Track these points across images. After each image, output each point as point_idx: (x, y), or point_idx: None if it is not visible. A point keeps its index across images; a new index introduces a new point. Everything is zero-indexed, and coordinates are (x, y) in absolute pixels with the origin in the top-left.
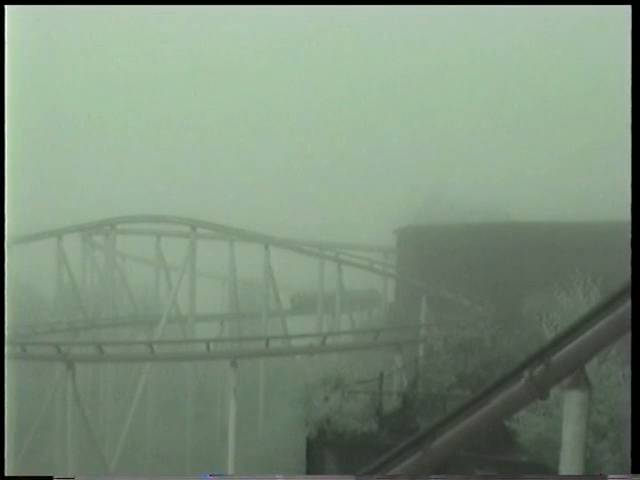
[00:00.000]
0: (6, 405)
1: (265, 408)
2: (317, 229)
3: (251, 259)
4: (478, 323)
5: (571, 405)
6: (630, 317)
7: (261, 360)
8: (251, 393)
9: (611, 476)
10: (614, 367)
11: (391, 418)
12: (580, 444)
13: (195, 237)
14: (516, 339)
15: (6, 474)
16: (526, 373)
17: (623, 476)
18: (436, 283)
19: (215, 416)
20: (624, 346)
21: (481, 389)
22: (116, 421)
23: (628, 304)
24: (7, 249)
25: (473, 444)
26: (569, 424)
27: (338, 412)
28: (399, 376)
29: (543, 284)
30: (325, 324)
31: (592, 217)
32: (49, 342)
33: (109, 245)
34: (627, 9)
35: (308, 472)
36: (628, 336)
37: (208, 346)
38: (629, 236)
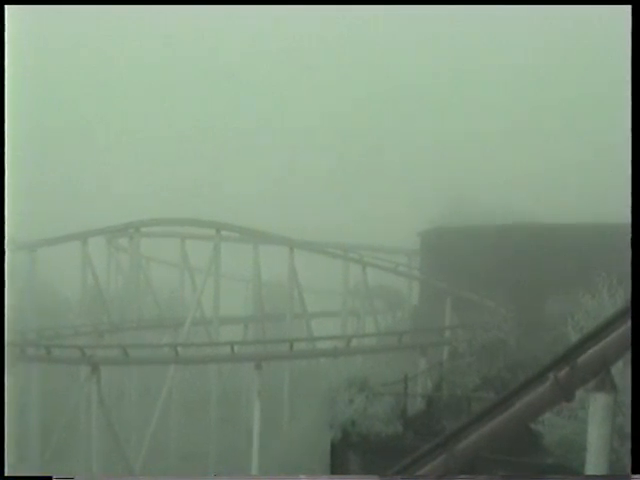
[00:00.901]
0: (32, 407)
1: (290, 410)
2: (340, 231)
3: (275, 261)
4: (502, 325)
5: (596, 407)
6: None
7: (286, 362)
8: (275, 395)
9: (613, 476)
10: None
11: (416, 420)
12: (605, 446)
13: (219, 239)
14: (541, 341)
15: (7, 474)
16: (551, 375)
17: (624, 476)
18: (460, 285)
19: (240, 418)
20: None
21: (506, 391)
22: (141, 424)
23: None
24: (32, 252)
25: (498, 446)
26: (594, 426)
27: (363, 414)
28: (423, 378)
29: (568, 286)
30: (349, 326)
31: (616, 218)
32: (74, 345)
33: (134, 248)
34: (627, 9)
35: (332, 474)
36: None
37: (232, 348)
38: None
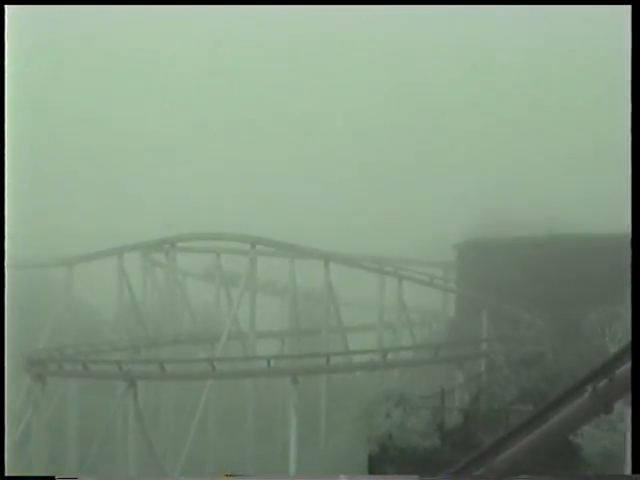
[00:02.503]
0: (70, 421)
1: (326, 424)
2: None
3: (311, 275)
4: (540, 337)
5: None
6: None
7: (322, 376)
8: (312, 409)
9: (615, 476)
10: None
11: (453, 434)
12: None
13: (255, 254)
14: (578, 353)
15: (7, 474)
16: (590, 387)
17: (624, 476)
18: (497, 297)
19: (276, 432)
20: None
21: (544, 404)
22: (178, 438)
23: None
24: (69, 268)
25: (537, 459)
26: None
27: (400, 428)
28: (461, 391)
29: (606, 297)
30: (386, 340)
31: None
32: (111, 360)
33: (170, 263)
34: (627, 9)
35: None
36: None
37: (269, 363)
38: None
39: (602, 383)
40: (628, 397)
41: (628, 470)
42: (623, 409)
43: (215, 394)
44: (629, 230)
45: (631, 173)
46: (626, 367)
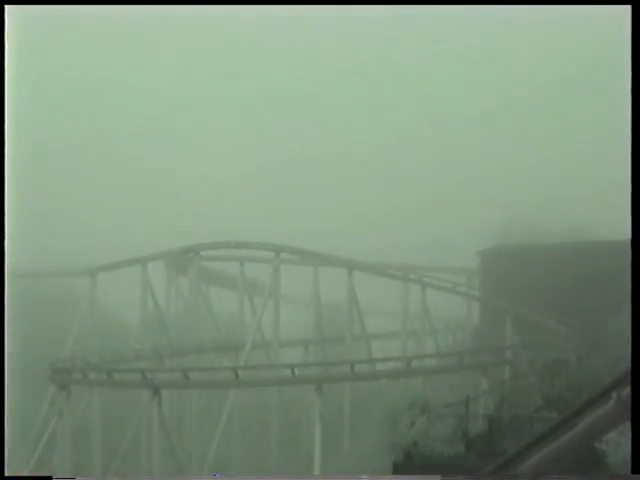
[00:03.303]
0: (94, 429)
1: (351, 432)
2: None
3: (335, 283)
4: (564, 344)
5: None
6: None
7: (346, 384)
8: (336, 417)
9: (613, 476)
10: None
11: (478, 441)
12: None
13: (279, 262)
14: (603, 360)
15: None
16: (614, 394)
17: (624, 476)
18: (520, 304)
19: (301, 441)
20: None
21: (569, 411)
22: (202, 446)
23: None
24: (92, 277)
25: (563, 466)
26: None
27: (424, 436)
28: (485, 399)
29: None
30: (410, 347)
31: None
32: (135, 368)
33: (193, 271)
34: (627, 9)
35: None
36: None
37: (293, 371)
38: None
39: (626, 390)
40: None
41: None
42: None
43: (239, 402)
44: None
45: (631, 173)
46: None
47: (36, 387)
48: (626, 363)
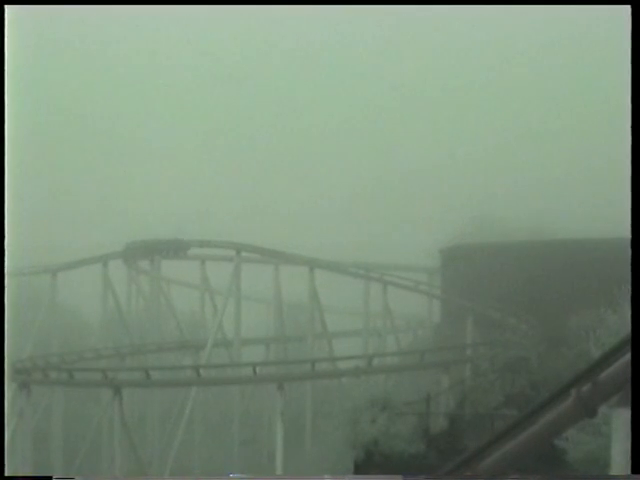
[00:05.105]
0: (54, 429)
1: (312, 431)
2: (360, 249)
3: (296, 281)
4: (524, 342)
5: (619, 423)
6: None
7: (308, 383)
8: (298, 415)
9: (613, 476)
10: None
11: (439, 439)
12: (629, 462)
13: (240, 261)
14: (563, 358)
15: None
16: (573, 392)
17: (624, 476)
18: (482, 302)
19: (262, 439)
20: None
21: (529, 408)
22: (163, 446)
23: None
24: (53, 276)
25: (522, 463)
26: (618, 442)
27: (385, 434)
28: (446, 397)
29: (589, 301)
30: (371, 346)
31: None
32: (96, 368)
33: (154, 270)
34: (627, 9)
35: None
36: None
37: (255, 369)
38: None
39: (586, 387)
40: (613, 400)
41: (613, 472)
42: (607, 412)
43: (201, 401)
44: (618, 234)
45: (631, 174)
46: (609, 371)
47: None
48: (585, 360)
